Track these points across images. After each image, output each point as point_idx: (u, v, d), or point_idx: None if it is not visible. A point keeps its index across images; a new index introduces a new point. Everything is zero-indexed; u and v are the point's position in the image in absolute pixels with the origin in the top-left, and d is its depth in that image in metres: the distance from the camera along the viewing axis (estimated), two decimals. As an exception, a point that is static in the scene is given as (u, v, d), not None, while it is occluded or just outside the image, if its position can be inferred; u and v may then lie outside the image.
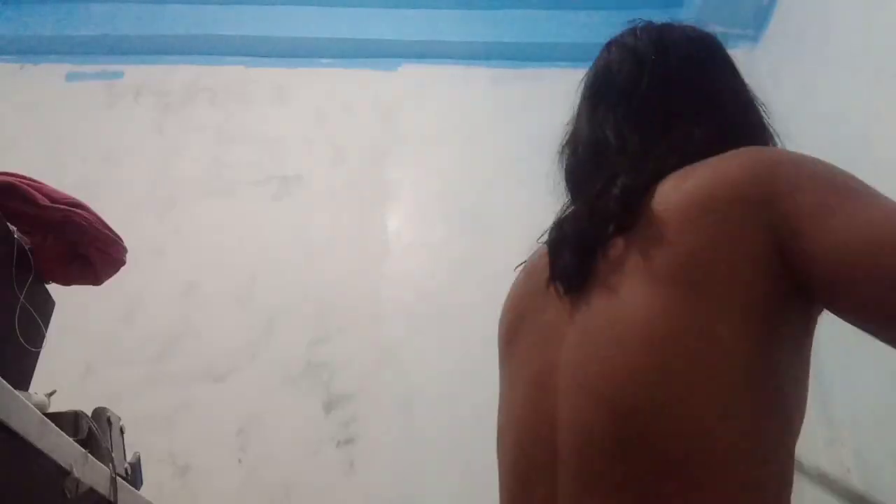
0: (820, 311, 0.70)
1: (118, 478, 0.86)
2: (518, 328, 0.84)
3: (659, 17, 0.93)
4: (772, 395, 0.65)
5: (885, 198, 0.63)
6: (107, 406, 1.20)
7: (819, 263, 0.62)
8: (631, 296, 0.69)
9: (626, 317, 0.68)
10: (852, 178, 0.67)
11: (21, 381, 1.00)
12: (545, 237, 0.85)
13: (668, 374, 0.64)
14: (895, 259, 0.57)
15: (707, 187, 0.70)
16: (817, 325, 0.71)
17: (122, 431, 0.96)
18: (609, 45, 0.92)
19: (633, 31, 0.91)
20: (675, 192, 0.72)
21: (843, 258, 0.61)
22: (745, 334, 0.64)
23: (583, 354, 0.71)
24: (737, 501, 0.62)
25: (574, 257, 0.77)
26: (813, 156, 0.71)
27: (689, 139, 0.79)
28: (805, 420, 0.70)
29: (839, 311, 0.63)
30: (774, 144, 0.86)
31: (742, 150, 0.73)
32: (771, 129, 0.87)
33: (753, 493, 0.63)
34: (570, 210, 0.85)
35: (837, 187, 0.65)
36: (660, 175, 0.76)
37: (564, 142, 0.92)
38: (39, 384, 1.14)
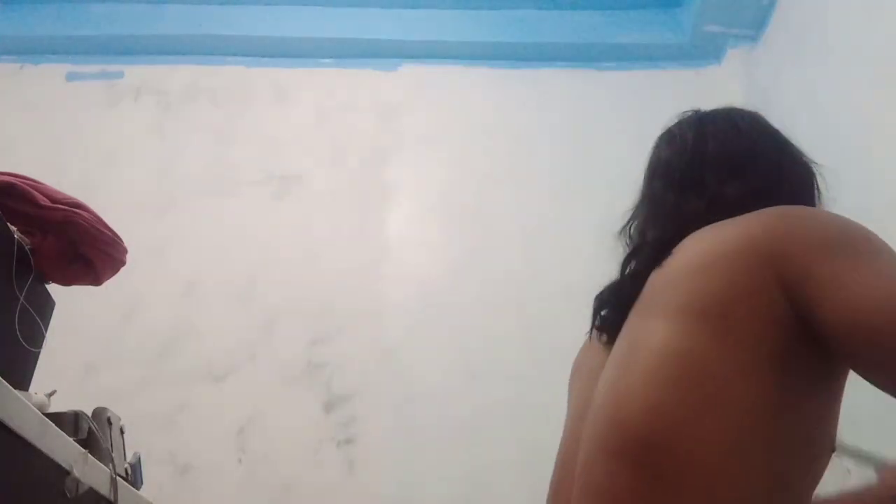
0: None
1: (118, 478, 0.86)
2: (576, 375, 0.98)
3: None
4: (783, 436, 0.68)
5: (890, 257, 0.69)
6: (107, 406, 1.21)
7: (833, 332, 0.67)
8: (646, 332, 0.76)
9: (644, 349, 0.75)
10: (862, 238, 0.72)
11: (21, 381, 1.00)
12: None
13: (678, 405, 0.69)
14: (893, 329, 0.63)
15: (726, 239, 0.76)
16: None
17: (122, 431, 0.96)
18: (659, 137, 1.02)
19: (677, 121, 1.00)
20: (698, 242, 0.80)
21: (852, 330, 0.66)
22: (757, 377, 0.68)
23: (606, 383, 0.79)
24: None
25: (613, 313, 0.88)
26: (830, 213, 0.77)
27: (719, 199, 0.87)
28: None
29: (857, 371, 0.69)
30: (814, 205, 0.91)
31: (769, 209, 0.78)
32: (817, 190, 0.92)
33: None
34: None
35: (848, 255, 0.70)
36: (686, 229, 0.83)
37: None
38: (39, 384, 1.14)
